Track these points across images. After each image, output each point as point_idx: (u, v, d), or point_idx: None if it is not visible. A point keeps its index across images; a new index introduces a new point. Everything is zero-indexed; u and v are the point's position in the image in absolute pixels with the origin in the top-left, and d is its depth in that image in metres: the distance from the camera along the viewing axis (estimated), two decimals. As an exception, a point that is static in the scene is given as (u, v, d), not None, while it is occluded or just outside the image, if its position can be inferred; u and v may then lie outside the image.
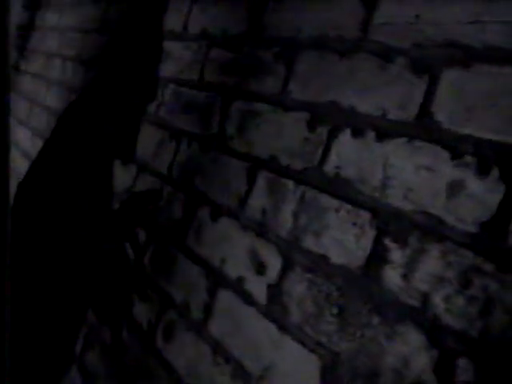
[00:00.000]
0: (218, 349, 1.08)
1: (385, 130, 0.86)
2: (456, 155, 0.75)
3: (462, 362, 0.69)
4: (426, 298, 0.75)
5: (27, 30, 3.20)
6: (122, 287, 1.45)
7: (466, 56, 0.77)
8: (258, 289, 1.02)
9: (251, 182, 1.10)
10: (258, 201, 1.07)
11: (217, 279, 1.13)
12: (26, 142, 2.65)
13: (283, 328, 0.95)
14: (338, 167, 0.92)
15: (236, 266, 1.09)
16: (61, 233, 1.61)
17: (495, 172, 0.70)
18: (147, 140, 1.54)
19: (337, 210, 0.91)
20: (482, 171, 0.72)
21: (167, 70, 1.54)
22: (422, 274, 0.76)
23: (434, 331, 0.73)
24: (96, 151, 1.67)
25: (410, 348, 0.75)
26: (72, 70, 2.28)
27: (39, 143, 2.41)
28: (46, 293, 1.58)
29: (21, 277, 1.59)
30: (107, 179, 1.64)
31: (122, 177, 1.61)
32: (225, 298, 1.10)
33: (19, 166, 2.61)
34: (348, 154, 0.91)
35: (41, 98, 2.60)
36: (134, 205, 1.49)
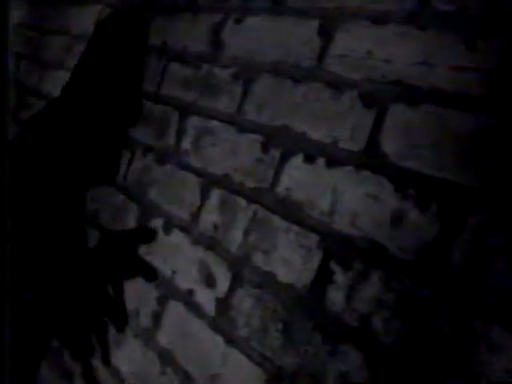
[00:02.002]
0: (166, 357, 1.10)
1: (335, 158, 0.91)
2: (399, 187, 0.81)
3: (398, 380, 0.75)
4: (366, 319, 0.80)
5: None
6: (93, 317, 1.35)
7: (413, 95, 0.83)
8: (207, 301, 1.05)
9: (204, 197, 1.13)
10: (210, 216, 1.11)
11: (167, 290, 1.15)
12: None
13: (231, 341, 0.99)
14: (288, 189, 0.97)
15: (187, 279, 1.11)
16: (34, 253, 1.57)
17: (434, 207, 0.77)
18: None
19: (286, 231, 0.95)
20: (422, 205, 0.78)
21: (124, 76, 1.55)
22: (364, 297, 0.81)
23: (373, 351, 0.79)
24: (67, 171, 1.63)
25: (349, 366, 0.81)
26: (27, 68, 2.24)
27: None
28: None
29: None
30: (82, 201, 1.58)
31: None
32: (174, 308, 1.12)
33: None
34: (299, 178, 0.96)
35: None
36: (118, 248, 1.32)
